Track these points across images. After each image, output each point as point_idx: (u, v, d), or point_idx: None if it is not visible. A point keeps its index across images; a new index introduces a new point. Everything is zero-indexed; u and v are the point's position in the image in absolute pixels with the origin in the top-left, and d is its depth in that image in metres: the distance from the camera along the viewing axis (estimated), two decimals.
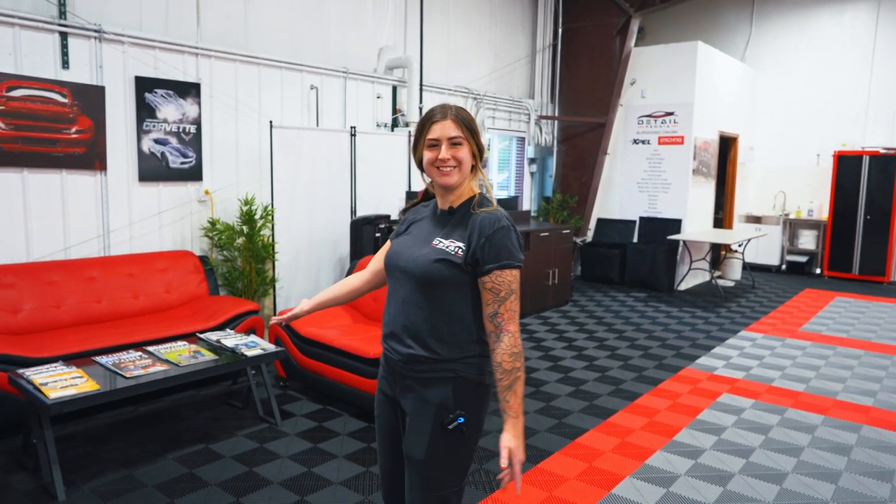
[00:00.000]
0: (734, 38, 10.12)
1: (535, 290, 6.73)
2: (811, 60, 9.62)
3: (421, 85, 6.77)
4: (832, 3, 9.43)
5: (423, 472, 1.68)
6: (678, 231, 8.31)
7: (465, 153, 1.69)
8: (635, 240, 8.66)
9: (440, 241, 1.70)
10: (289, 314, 2.00)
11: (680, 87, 8.31)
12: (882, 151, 8.87)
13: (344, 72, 6.05)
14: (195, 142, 4.94)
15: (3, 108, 3.95)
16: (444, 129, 1.68)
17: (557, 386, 4.51)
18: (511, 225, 1.68)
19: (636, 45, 8.64)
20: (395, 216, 5.92)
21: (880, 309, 7.36)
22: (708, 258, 8.56)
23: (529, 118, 8.66)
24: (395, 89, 6.66)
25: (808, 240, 9.82)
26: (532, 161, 8.78)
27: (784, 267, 9.91)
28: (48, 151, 4.17)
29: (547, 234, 6.84)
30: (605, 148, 8.65)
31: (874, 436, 3.73)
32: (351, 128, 5.53)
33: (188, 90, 4.86)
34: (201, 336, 3.68)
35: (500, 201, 7.35)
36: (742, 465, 3.33)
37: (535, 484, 3.07)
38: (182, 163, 4.88)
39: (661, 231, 8.41)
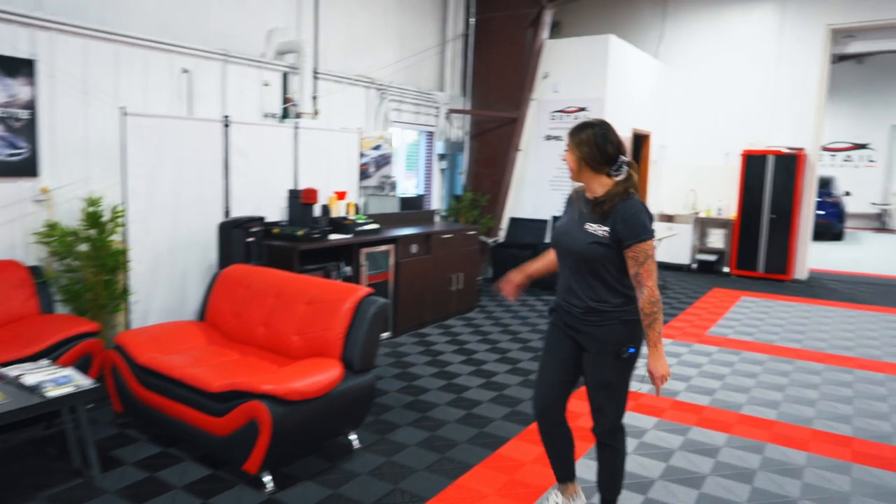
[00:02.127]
0: (648, 33, 10.00)
1: (435, 297, 6.24)
2: (721, 59, 9.62)
3: (315, 72, 6.18)
4: (741, 4, 9.44)
5: (608, 387, 2.48)
6: None
7: (569, 158, 2.46)
8: (547, 240, 8.38)
9: (590, 226, 2.39)
10: (510, 289, 2.77)
11: (592, 82, 8.06)
12: (785, 151, 8.96)
13: (224, 54, 5.38)
14: (28, 130, 4.18)
15: None
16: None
17: (447, 410, 4.07)
18: (642, 210, 2.36)
19: (551, 37, 8.33)
20: (274, 217, 5.31)
21: (783, 309, 7.37)
22: None
23: (439, 112, 8.19)
24: (285, 76, 6.03)
25: (717, 238, 9.86)
26: (442, 157, 8.32)
27: (695, 266, 9.92)
28: None
29: (451, 235, 6.39)
30: (517, 144, 8.31)
31: (777, 456, 3.49)
32: (224, 117, 4.88)
33: (18, 68, 4.09)
34: (1, 370, 2.99)
35: (403, 201, 6.86)
36: (640, 503, 2.99)
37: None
38: (10, 154, 4.12)
39: None
